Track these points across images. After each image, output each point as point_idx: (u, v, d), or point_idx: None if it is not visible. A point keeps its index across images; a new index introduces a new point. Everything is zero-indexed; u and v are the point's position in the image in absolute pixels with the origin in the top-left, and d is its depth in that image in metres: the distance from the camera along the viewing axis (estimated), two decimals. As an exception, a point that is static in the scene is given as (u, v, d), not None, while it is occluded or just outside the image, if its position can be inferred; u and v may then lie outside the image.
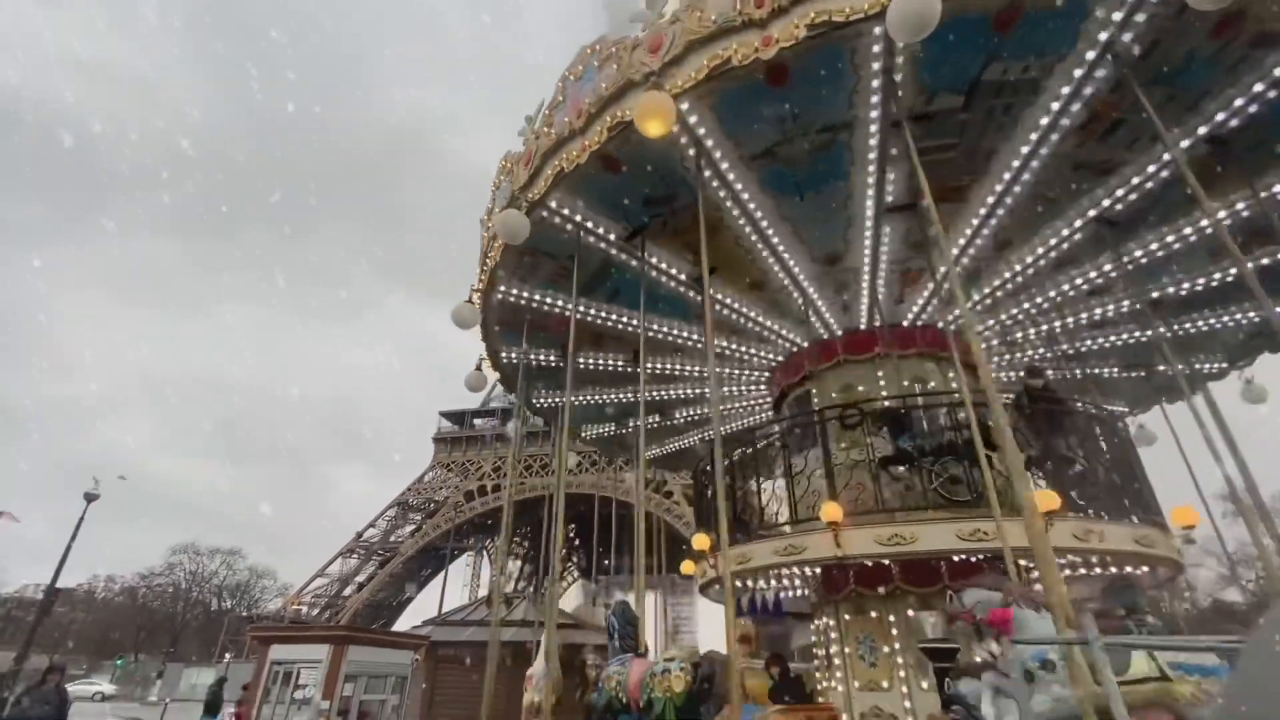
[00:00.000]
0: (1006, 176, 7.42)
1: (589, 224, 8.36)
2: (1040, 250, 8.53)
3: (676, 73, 6.38)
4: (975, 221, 8.10)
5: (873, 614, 8.03)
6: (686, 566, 11.11)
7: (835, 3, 5.58)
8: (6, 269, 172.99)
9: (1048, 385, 9.37)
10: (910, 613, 7.87)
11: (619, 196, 7.99)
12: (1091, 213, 7.82)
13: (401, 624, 71.90)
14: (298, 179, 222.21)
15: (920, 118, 6.66)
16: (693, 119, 6.71)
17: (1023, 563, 6.72)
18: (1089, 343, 10.72)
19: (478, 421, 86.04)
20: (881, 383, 9.55)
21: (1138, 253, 8.39)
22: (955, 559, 7.31)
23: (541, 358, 10.67)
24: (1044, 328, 10.19)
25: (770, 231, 8.29)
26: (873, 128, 6.70)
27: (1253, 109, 6.41)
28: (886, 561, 7.81)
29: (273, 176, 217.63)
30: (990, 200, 7.74)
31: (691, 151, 7.06)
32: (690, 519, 60.94)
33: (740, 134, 7.03)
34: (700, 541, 8.64)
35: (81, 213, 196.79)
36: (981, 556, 7.02)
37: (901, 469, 8.17)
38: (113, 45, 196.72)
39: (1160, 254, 8.39)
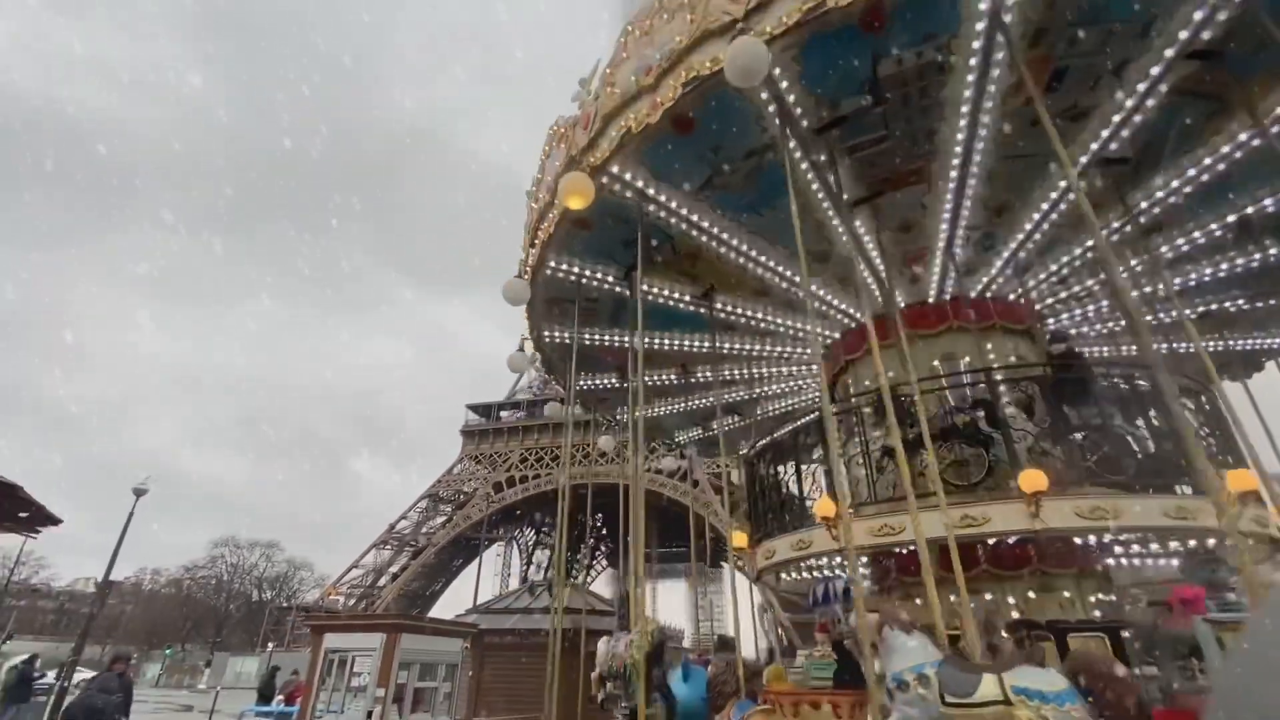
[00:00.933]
0: (958, 150, 7.05)
1: (650, 191, 7.86)
2: (1047, 208, 7.97)
3: (601, 143, 7.16)
4: (949, 197, 7.75)
5: (917, 601, 7.92)
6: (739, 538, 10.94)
7: (697, 61, 6.11)
8: (33, 271, 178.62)
9: (1071, 352, 9.13)
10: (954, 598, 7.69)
11: (692, 158, 7.64)
12: (1083, 159, 7.15)
13: (436, 613, 73.33)
14: (311, 177, 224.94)
15: (835, 123, 6.61)
16: (628, 175, 7.40)
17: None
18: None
19: (504, 414, 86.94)
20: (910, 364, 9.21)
21: (1160, 194, 7.71)
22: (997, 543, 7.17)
23: (594, 338, 10.56)
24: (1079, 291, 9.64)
25: (745, 246, 8.52)
26: (791, 144, 6.61)
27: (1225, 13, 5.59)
28: (903, 550, 7.72)
29: (287, 175, 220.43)
30: (954, 175, 7.39)
31: (646, 194, 7.64)
32: (717, 507, 61.10)
33: (672, 175, 7.54)
34: (739, 539, 8.59)
35: (102, 215, 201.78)
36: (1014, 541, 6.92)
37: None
38: (130, 49, 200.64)
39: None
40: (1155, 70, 6.17)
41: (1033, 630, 5.93)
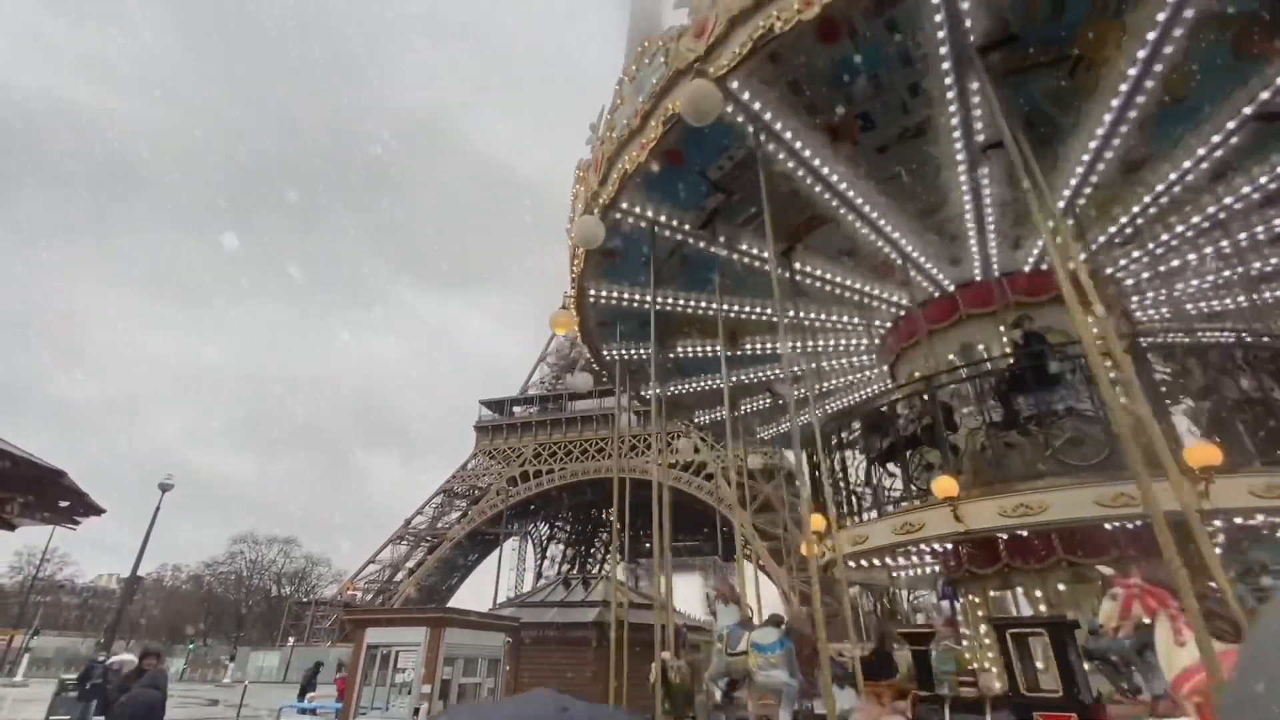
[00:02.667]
0: (1123, 88, 6.42)
1: (662, 218, 8.31)
2: (1188, 164, 7.38)
3: (722, 52, 6.16)
4: (1094, 144, 7.14)
5: (1019, 588, 7.59)
6: (806, 549, 10.46)
7: (671, 101, 5.93)
8: (34, 269, 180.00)
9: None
10: (1061, 586, 7.37)
11: (686, 186, 7.79)
12: (1248, 110, 6.64)
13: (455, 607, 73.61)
14: (308, 174, 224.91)
15: (1004, 41, 6.03)
16: (745, 95, 6.56)
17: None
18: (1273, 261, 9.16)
19: (517, 409, 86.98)
20: (1005, 338, 8.83)
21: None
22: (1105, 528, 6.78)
23: (640, 353, 10.39)
24: (1209, 254, 8.98)
25: (851, 193, 7.87)
26: (944, 65, 6.18)
27: None
28: (1006, 536, 7.35)
29: (284, 172, 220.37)
30: (1108, 117, 6.79)
31: (750, 129, 6.89)
32: (732, 501, 60.87)
33: (802, 98, 6.78)
34: (816, 522, 8.23)
35: (104, 214, 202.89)
36: (1133, 525, 6.49)
37: (1016, 432, 7.60)
38: (130, 47, 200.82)
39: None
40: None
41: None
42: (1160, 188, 7.71)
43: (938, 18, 5.84)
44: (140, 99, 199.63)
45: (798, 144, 7.24)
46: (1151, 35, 5.94)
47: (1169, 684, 4.60)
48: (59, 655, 48.05)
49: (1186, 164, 7.39)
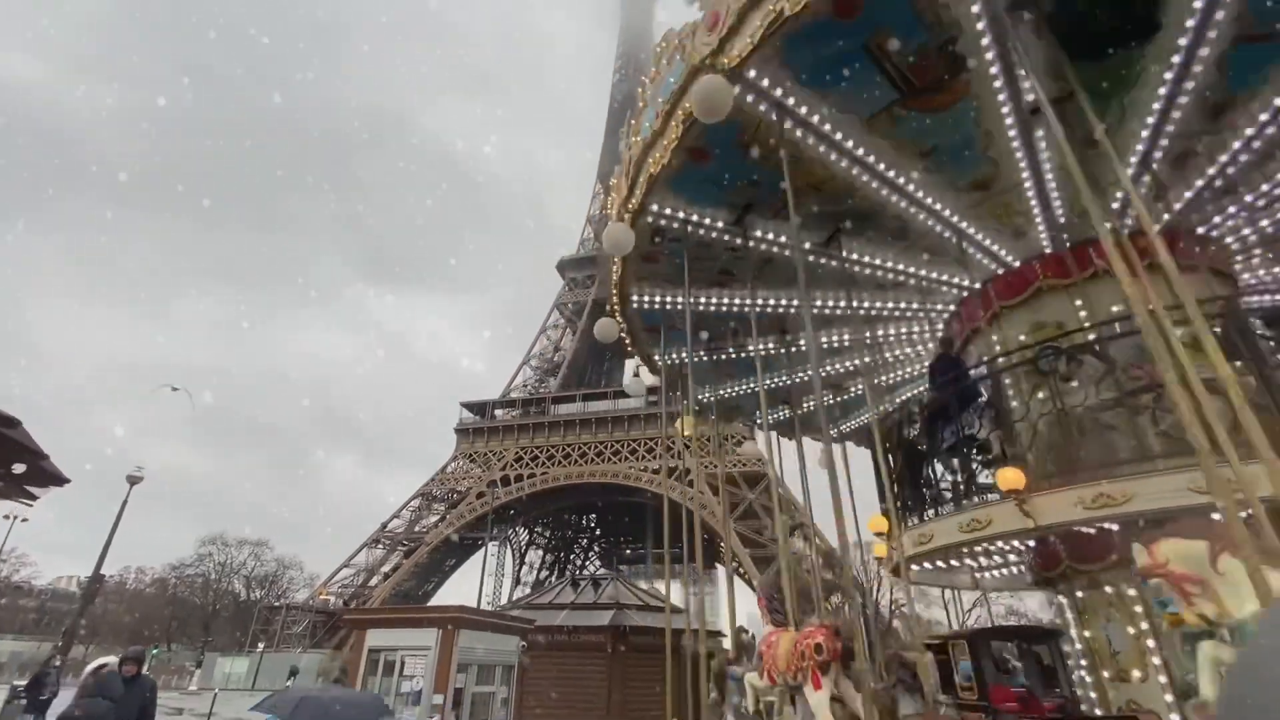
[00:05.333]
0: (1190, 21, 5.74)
1: (694, 217, 7.95)
2: None
3: (735, 43, 5.84)
4: (1165, 89, 6.46)
5: (1107, 589, 6.99)
6: (879, 549, 9.75)
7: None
8: None
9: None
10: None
11: (840, 58, 6.52)
12: None
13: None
14: (261, 168, 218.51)
15: None
16: (765, 81, 6.15)
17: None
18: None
19: (499, 412, 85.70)
20: (1083, 313, 8.17)
21: None
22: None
23: (678, 302, 9.52)
24: None
25: (891, 173, 7.37)
26: (980, 22, 5.69)
27: None
28: (1093, 530, 6.77)
29: (239, 165, 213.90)
30: (1178, 56, 6.09)
31: (774, 117, 6.44)
32: (715, 509, 60.17)
33: (820, 80, 6.33)
34: (878, 524, 7.60)
35: (38, 198, 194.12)
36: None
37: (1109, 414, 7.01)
38: (73, 32, 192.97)
39: None
40: None
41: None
42: (1251, 131, 6.94)
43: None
44: (81, 75, 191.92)
45: (826, 127, 6.84)
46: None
47: None
48: (14, 659, 45.87)
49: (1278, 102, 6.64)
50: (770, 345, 10.44)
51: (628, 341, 10.22)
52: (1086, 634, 7.09)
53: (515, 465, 77.46)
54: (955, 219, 8.32)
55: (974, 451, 7.71)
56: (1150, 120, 6.81)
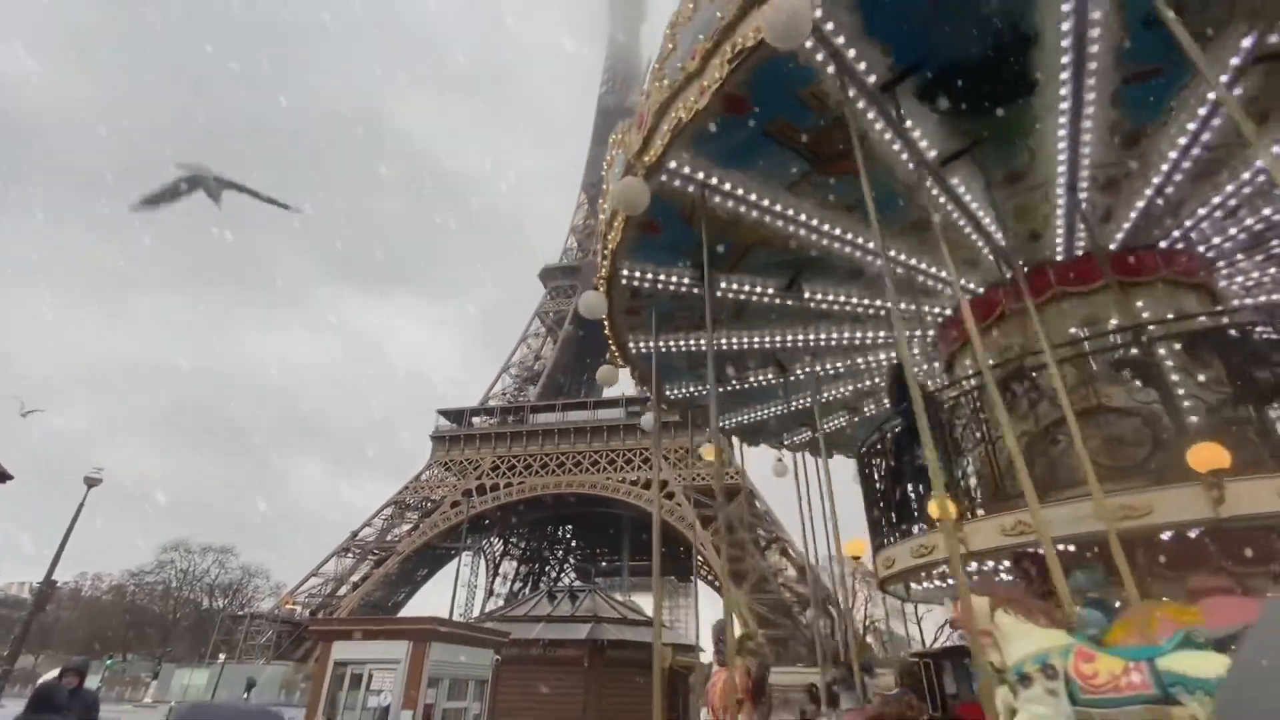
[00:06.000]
0: (1066, 67, 6.03)
1: (714, 180, 7.41)
2: (1195, 128, 6.76)
3: (655, 140, 6.27)
4: (1062, 131, 6.71)
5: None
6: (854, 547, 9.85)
7: (741, 34, 5.33)
8: None
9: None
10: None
11: (746, 143, 6.99)
12: (1234, 60, 6.04)
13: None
14: (229, 165, 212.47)
15: (905, 74, 5.94)
16: (829, 26, 5.70)
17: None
18: None
19: (476, 420, 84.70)
20: (1146, 315, 8.01)
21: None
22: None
23: (676, 344, 9.82)
24: None
25: (826, 227, 7.75)
26: (859, 104, 6.01)
27: None
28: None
29: (206, 161, 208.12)
30: (1064, 100, 6.32)
31: (831, 69, 6.01)
32: (693, 520, 59.92)
33: (737, 160, 6.87)
34: (853, 549, 7.50)
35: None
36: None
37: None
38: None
39: None
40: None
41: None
42: (1174, 155, 7.14)
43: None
44: (43, 66, 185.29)
45: (752, 196, 7.39)
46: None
47: None
48: (-44, 670, 43.53)
49: (1191, 127, 6.86)
50: (770, 377, 10.90)
51: (608, 325, 9.93)
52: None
53: (492, 474, 76.49)
54: (903, 257, 8.55)
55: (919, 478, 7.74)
56: (1062, 157, 7.07)
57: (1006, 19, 5.86)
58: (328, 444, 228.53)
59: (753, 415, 12.46)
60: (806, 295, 9.07)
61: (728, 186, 7.24)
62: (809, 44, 5.82)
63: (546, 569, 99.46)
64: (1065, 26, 5.74)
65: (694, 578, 63.41)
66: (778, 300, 9.06)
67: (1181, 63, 5.99)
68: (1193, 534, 6.06)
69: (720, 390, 10.70)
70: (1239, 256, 8.77)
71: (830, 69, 5.80)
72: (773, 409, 12.18)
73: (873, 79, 6.44)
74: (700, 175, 7.01)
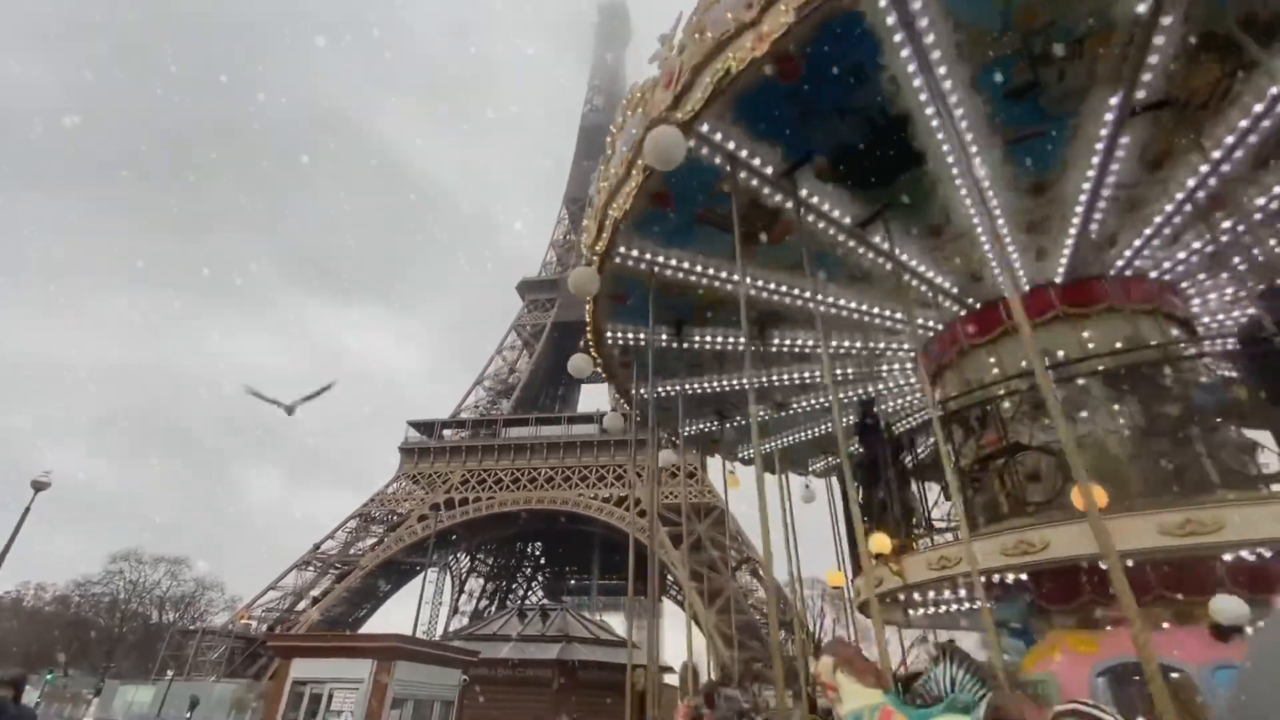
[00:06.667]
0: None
1: (660, 259, 8.23)
2: (1219, 156, 6.86)
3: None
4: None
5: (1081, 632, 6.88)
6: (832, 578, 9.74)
7: None
8: None
9: None
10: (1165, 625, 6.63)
11: (682, 228, 7.74)
12: (1258, 107, 6.27)
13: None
14: (188, 163, 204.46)
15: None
16: (717, 136, 6.58)
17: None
18: None
19: (447, 433, 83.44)
20: (1091, 346, 8.27)
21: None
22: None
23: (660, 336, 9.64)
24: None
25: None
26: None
27: None
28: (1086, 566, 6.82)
29: (165, 158, 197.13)
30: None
31: (729, 168, 6.80)
32: (664, 539, 59.44)
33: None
34: (880, 544, 7.44)
35: None
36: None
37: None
38: None
39: None
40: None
41: None
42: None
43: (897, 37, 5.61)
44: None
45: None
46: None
47: None
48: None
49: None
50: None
51: (604, 375, 10.51)
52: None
53: (461, 488, 75.23)
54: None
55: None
56: (971, 210, 7.42)
57: (875, 108, 6.33)
58: (288, 454, 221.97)
59: (714, 425, 12.47)
60: (776, 343, 9.79)
61: (674, 262, 8.17)
62: (704, 150, 6.65)
63: (514, 587, 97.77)
64: (930, 110, 6.13)
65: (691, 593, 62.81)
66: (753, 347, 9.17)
67: (1061, 121, 6.78)
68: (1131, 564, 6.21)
69: (690, 393, 10.90)
70: (1202, 277, 9.02)
71: (728, 168, 6.66)
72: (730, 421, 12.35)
73: (769, 170, 7.11)
74: (647, 256, 7.98)
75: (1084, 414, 7.41)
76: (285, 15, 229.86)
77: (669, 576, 61.23)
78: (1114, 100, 6.46)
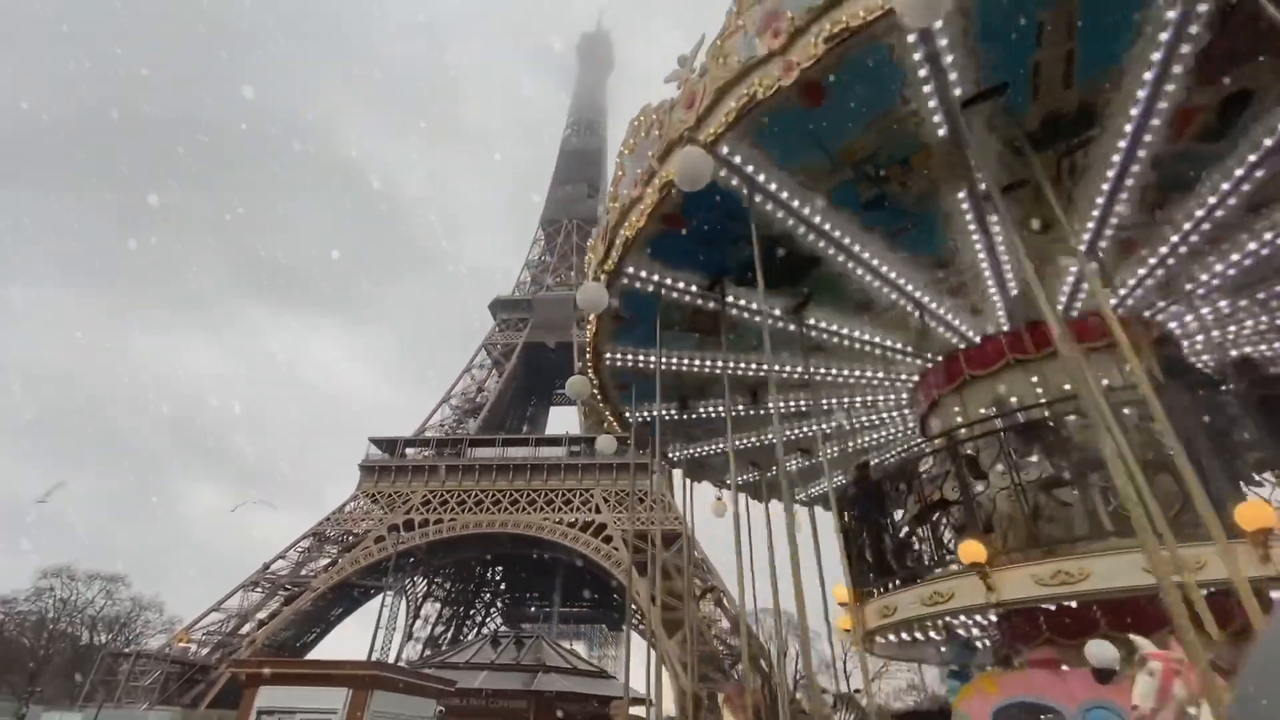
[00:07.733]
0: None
1: (668, 280, 8.55)
2: (1214, 201, 7.14)
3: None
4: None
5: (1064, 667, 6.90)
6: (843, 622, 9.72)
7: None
8: None
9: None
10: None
11: (693, 247, 8.01)
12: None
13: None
14: (132, 157, 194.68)
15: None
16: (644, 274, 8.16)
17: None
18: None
19: (410, 451, 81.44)
20: (1039, 390, 8.53)
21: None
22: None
23: (674, 361, 9.88)
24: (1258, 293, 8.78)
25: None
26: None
27: None
28: (1053, 608, 6.87)
29: (104, 151, 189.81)
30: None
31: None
32: (629, 566, 58.75)
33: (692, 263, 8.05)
34: (840, 594, 7.46)
35: None
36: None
37: (1068, 490, 7.27)
38: None
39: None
40: None
41: None
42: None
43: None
44: None
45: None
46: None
47: None
48: None
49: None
50: (740, 408, 10.87)
51: (600, 399, 10.56)
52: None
53: (422, 509, 73.29)
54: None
55: (939, 522, 7.74)
56: (888, 290, 8.56)
57: (760, 231, 6.89)
58: (234, 469, 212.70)
59: (705, 449, 12.51)
60: (810, 322, 9.63)
61: (681, 285, 8.58)
62: (637, 284, 8.25)
63: (472, 613, 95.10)
64: (801, 230, 7.34)
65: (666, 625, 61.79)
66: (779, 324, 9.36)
67: (926, 214, 7.52)
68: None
69: (677, 419, 10.96)
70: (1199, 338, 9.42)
71: (662, 291, 8.20)
72: (720, 445, 12.33)
73: (695, 287, 8.53)
74: (655, 278, 8.41)
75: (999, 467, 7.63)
76: (246, 12, 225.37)
77: (632, 605, 60.30)
78: (961, 195, 7.18)
